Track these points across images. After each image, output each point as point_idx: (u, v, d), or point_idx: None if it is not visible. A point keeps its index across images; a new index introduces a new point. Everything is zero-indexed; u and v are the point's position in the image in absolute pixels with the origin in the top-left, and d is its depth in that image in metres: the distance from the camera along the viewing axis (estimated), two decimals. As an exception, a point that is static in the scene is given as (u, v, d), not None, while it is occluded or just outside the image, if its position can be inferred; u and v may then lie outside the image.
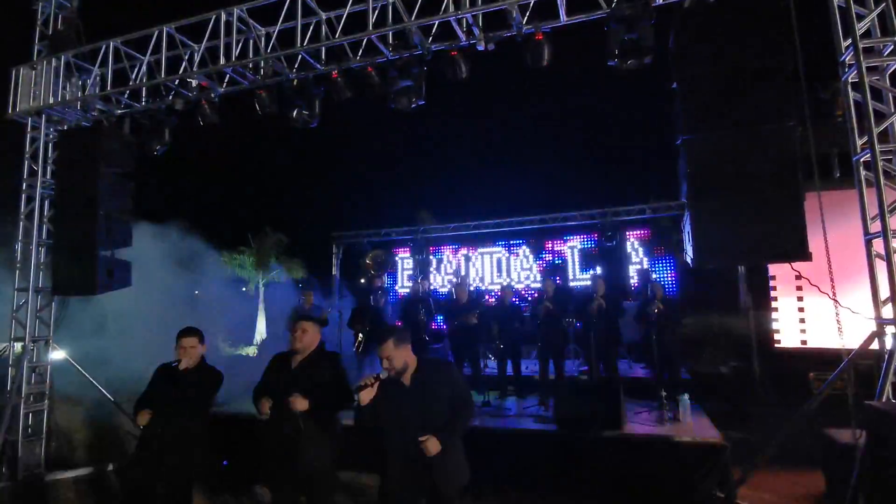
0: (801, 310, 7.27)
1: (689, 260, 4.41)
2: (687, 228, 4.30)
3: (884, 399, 3.67)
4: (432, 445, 2.69)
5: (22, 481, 5.65)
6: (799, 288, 7.24)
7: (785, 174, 3.89)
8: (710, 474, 4.64)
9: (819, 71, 4.73)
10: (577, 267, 11.65)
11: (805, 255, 3.83)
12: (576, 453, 5.03)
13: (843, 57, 4.23)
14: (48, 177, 6.49)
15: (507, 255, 12.27)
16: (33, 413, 6.12)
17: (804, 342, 7.24)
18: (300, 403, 3.05)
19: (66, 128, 6.54)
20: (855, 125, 4.16)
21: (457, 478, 2.86)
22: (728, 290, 9.61)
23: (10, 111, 6.49)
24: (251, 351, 15.71)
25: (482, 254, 12.52)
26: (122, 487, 4.00)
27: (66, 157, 6.20)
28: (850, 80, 4.20)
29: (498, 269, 12.32)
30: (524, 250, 12.11)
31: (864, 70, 4.03)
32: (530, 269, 12.03)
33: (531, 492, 4.89)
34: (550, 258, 11.89)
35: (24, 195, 6.51)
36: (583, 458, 5.00)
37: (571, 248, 11.78)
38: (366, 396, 2.83)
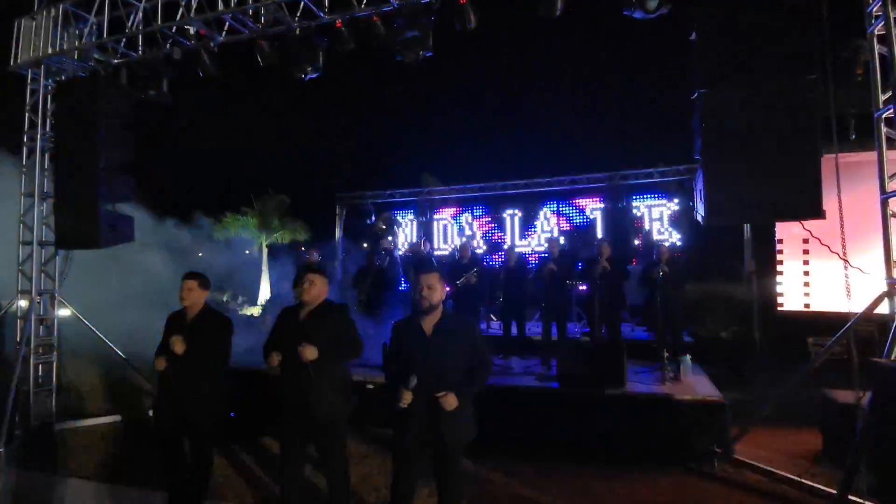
0: (806, 273, 7.24)
1: (699, 218, 4.34)
2: (699, 186, 4.22)
3: (892, 357, 3.67)
4: (451, 401, 2.71)
5: (34, 430, 5.80)
6: (806, 252, 7.19)
7: (802, 130, 3.77)
8: (708, 430, 4.71)
9: (839, 29, 4.55)
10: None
11: (818, 213, 3.76)
12: (577, 410, 5.10)
13: (871, 7, 4.05)
14: (48, 129, 6.38)
15: (510, 217, 12.20)
16: (43, 364, 6.23)
17: (807, 306, 7.24)
18: (310, 352, 3.04)
19: (63, 78, 6.39)
20: (879, 80, 4.02)
21: (464, 433, 2.87)
22: (733, 254, 9.57)
23: (11, 63, 6.35)
24: (255, 311, 15.85)
25: (484, 216, 12.46)
26: (154, 435, 4.07)
27: (65, 108, 6.06)
28: (876, 33, 4.04)
29: (501, 231, 12.29)
30: (523, 213, 12.09)
31: (892, 21, 3.87)
32: (534, 232, 12.00)
33: (533, 447, 4.97)
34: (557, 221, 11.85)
35: (25, 148, 6.42)
36: (584, 415, 5.07)
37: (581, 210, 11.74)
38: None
